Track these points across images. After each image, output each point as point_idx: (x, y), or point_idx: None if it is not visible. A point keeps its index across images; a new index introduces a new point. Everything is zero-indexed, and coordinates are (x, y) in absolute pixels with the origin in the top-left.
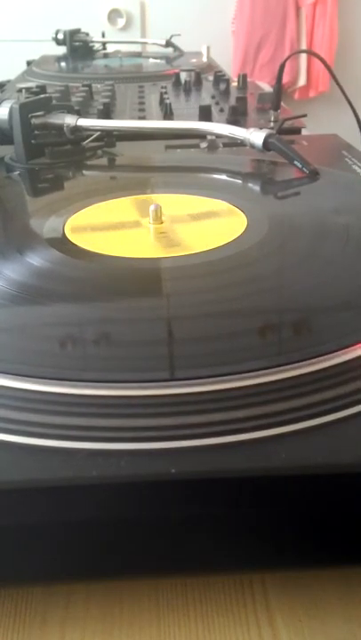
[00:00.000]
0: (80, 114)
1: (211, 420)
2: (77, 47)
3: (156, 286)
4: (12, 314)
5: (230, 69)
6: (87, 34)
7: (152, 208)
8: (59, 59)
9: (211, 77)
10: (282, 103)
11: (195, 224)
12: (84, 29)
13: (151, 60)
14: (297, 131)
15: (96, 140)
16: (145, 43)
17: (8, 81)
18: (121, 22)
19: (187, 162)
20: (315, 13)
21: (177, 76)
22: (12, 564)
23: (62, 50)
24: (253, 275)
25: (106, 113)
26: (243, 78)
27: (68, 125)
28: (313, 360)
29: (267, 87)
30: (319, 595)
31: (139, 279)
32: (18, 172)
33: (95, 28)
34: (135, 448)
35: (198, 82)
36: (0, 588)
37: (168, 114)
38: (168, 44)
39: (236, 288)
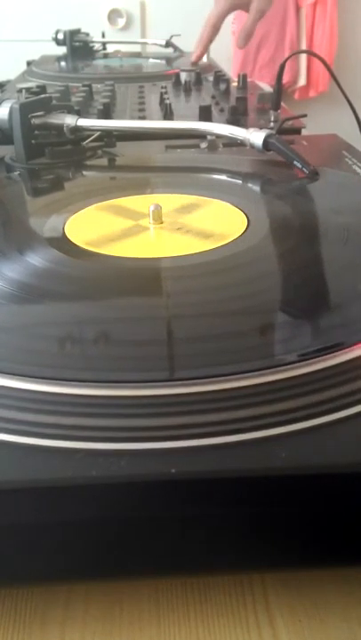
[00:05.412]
0: (80, 114)
1: (211, 420)
2: (77, 47)
3: (155, 286)
4: (12, 313)
5: (230, 69)
6: (87, 34)
7: (152, 208)
8: (59, 59)
9: (211, 77)
10: (282, 103)
11: (195, 224)
12: (84, 29)
13: (151, 61)
14: (297, 131)
15: (96, 139)
16: (145, 43)
17: (8, 81)
18: (121, 22)
19: (187, 162)
20: (315, 13)
21: (177, 76)
22: (12, 564)
23: (62, 50)
24: (253, 275)
25: (106, 113)
26: (243, 78)
27: (68, 125)
28: (313, 360)
29: (267, 87)
30: (319, 595)
31: (139, 279)
32: (18, 172)
33: (95, 28)
34: (135, 448)
35: (198, 82)
36: (0, 588)
37: (168, 114)
38: (168, 44)
39: (236, 288)
